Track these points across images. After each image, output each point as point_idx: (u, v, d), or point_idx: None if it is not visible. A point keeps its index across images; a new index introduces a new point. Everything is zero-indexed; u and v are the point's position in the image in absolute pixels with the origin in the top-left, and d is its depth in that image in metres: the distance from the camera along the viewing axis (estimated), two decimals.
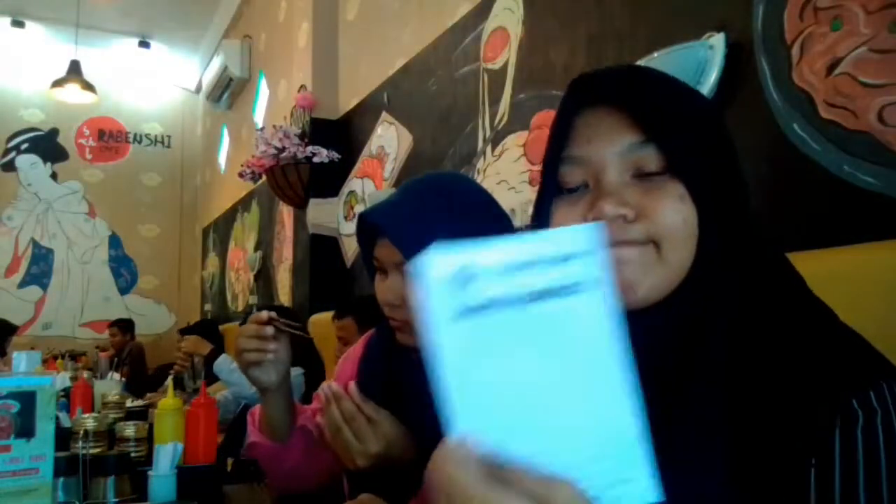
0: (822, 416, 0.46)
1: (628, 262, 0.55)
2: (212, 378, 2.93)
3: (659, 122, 0.55)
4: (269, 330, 1.01)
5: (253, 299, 4.78)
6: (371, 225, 0.92)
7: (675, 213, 0.54)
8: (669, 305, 0.56)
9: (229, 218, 5.66)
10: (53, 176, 6.64)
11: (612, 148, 0.56)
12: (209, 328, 3.96)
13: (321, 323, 2.97)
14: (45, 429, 0.91)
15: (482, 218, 0.91)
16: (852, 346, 0.51)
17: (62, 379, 2.54)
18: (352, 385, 0.91)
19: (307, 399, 2.67)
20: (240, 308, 5.17)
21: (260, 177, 3.83)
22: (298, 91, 3.79)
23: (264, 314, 1.02)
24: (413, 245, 0.88)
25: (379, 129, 3.21)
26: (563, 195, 0.59)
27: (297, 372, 2.66)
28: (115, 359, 5.21)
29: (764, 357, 0.51)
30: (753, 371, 0.51)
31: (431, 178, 0.99)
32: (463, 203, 0.91)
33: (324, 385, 0.91)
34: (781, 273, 0.57)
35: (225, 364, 2.70)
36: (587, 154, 0.57)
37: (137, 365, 5.32)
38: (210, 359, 2.77)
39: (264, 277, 4.57)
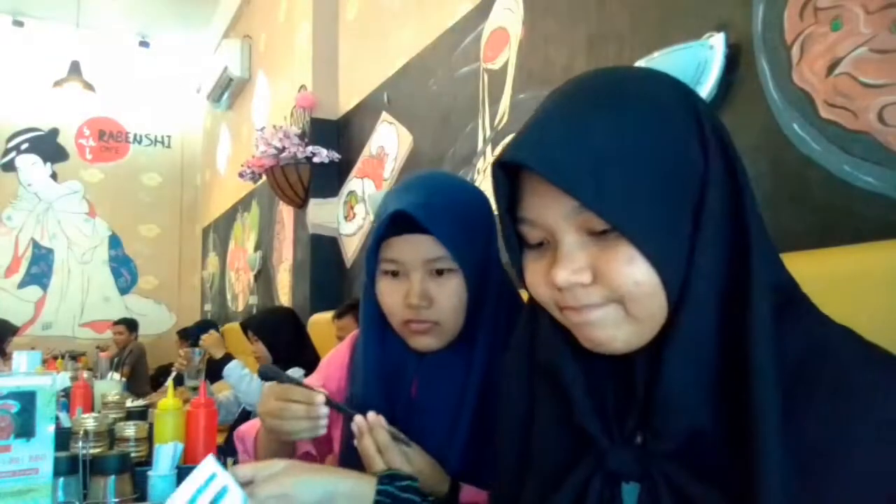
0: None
1: (595, 323, 0.54)
2: (211, 379, 2.94)
3: (577, 187, 0.51)
4: (324, 412, 0.88)
5: (253, 299, 4.79)
6: (397, 218, 0.87)
7: (624, 276, 0.52)
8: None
9: (229, 218, 5.66)
10: (53, 176, 6.64)
11: (558, 209, 0.53)
12: (209, 329, 3.96)
13: (321, 323, 2.97)
14: (45, 429, 0.90)
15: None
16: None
17: (62, 379, 2.54)
18: (380, 419, 0.86)
19: None
20: (240, 308, 5.17)
21: (260, 177, 3.84)
22: (298, 91, 3.79)
23: (320, 398, 0.88)
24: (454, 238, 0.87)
25: (379, 129, 3.21)
26: (530, 247, 0.58)
27: (298, 374, 2.66)
28: (116, 358, 5.21)
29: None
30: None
31: (433, 173, 1.00)
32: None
33: (357, 418, 0.85)
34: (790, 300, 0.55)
35: (236, 370, 2.69)
36: (537, 217, 0.55)
37: (138, 365, 5.33)
38: (218, 362, 2.77)
39: (264, 277, 4.57)
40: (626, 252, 0.51)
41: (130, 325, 5.66)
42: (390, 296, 0.91)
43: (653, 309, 0.53)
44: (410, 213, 0.85)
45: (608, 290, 0.53)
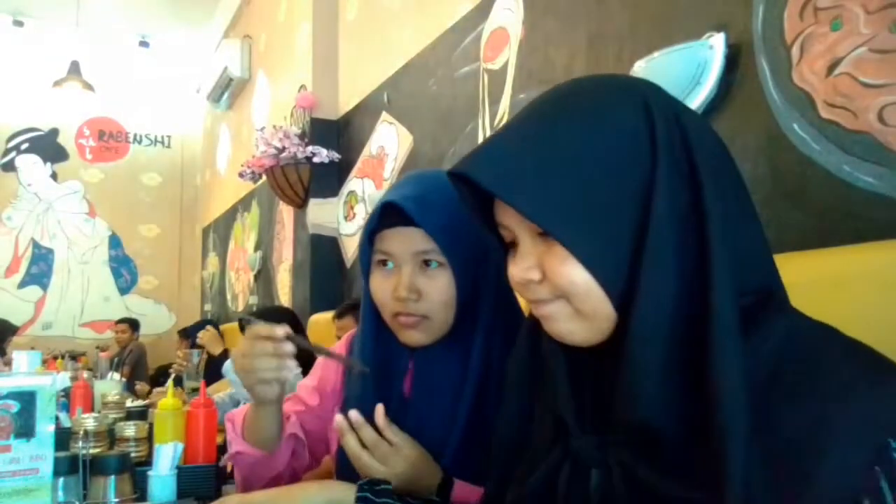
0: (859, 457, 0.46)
1: (550, 317, 0.59)
2: (211, 378, 2.93)
3: (510, 192, 0.55)
4: (290, 348, 0.92)
5: (253, 299, 4.79)
6: (390, 210, 0.88)
7: (560, 276, 0.56)
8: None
9: (229, 218, 5.66)
10: (53, 176, 6.65)
11: (513, 214, 0.58)
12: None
13: (321, 323, 2.97)
14: (45, 429, 0.90)
15: None
16: (872, 369, 0.49)
17: (62, 379, 2.54)
18: (379, 408, 0.87)
19: None
20: (240, 308, 5.17)
21: (260, 177, 3.84)
22: (298, 91, 3.79)
23: (280, 331, 0.91)
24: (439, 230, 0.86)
25: (379, 129, 3.21)
26: (509, 247, 0.63)
27: (296, 371, 2.65)
28: (116, 358, 5.21)
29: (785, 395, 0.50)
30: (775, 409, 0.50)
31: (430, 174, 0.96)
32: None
33: (338, 417, 0.87)
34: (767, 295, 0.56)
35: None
36: (502, 220, 0.61)
37: (138, 365, 5.34)
38: (217, 359, 2.75)
39: (264, 277, 4.57)
40: (560, 253, 0.55)
41: (133, 324, 5.68)
42: (381, 289, 0.93)
43: (595, 307, 0.56)
44: (400, 204, 0.86)
45: (552, 287, 0.57)
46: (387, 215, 0.90)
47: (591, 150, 0.54)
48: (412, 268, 0.89)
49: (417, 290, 0.89)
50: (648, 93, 0.57)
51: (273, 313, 3.11)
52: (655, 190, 0.53)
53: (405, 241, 0.89)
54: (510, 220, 0.59)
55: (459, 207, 0.88)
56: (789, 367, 0.50)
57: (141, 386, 3.97)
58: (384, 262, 0.92)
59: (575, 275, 0.55)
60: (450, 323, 0.91)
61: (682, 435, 0.52)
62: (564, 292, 0.56)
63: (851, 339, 0.52)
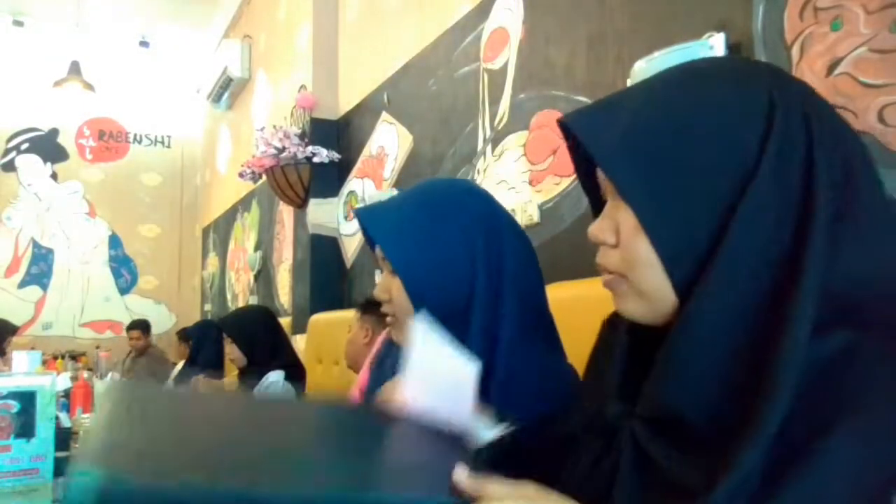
0: None
1: (613, 291, 0.59)
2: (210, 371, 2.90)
3: (597, 145, 0.54)
4: None
5: (253, 299, 4.78)
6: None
7: (628, 246, 0.54)
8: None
9: (229, 218, 5.66)
10: (53, 176, 6.64)
11: (600, 171, 0.57)
12: (209, 329, 3.95)
13: (321, 323, 2.97)
14: (45, 429, 0.91)
15: (461, 226, 0.91)
16: None
17: (63, 380, 2.53)
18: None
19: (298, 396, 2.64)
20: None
21: (260, 177, 3.83)
22: (298, 91, 3.79)
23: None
24: (387, 240, 0.91)
25: (379, 129, 3.21)
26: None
27: (276, 377, 2.60)
28: (127, 360, 5.08)
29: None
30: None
31: (423, 185, 0.99)
32: (440, 208, 0.92)
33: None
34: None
35: None
36: (599, 177, 0.60)
37: (160, 369, 4.98)
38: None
39: (264, 277, 4.57)
40: (634, 223, 0.53)
41: (144, 327, 5.47)
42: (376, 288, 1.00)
43: (655, 287, 0.54)
44: (358, 212, 0.95)
45: (621, 256, 0.55)
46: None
47: (693, 127, 0.52)
48: (387, 270, 0.94)
49: (387, 290, 0.94)
50: (775, 82, 0.53)
51: (246, 312, 3.04)
52: (753, 183, 0.50)
53: (380, 250, 0.95)
54: (602, 178, 0.58)
55: (411, 216, 0.89)
56: (833, 378, 0.47)
57: None
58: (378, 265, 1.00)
59: (641, 247, 0.53)
60: None
61: (706, 430, 0.50)
62: (629, 264, 0.54)
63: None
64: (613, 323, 0.67)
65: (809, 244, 0.48)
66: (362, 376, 1.11)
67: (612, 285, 0.58)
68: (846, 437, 0.44)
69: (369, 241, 0.99)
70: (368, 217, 0.94)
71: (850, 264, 0.49)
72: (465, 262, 0.89)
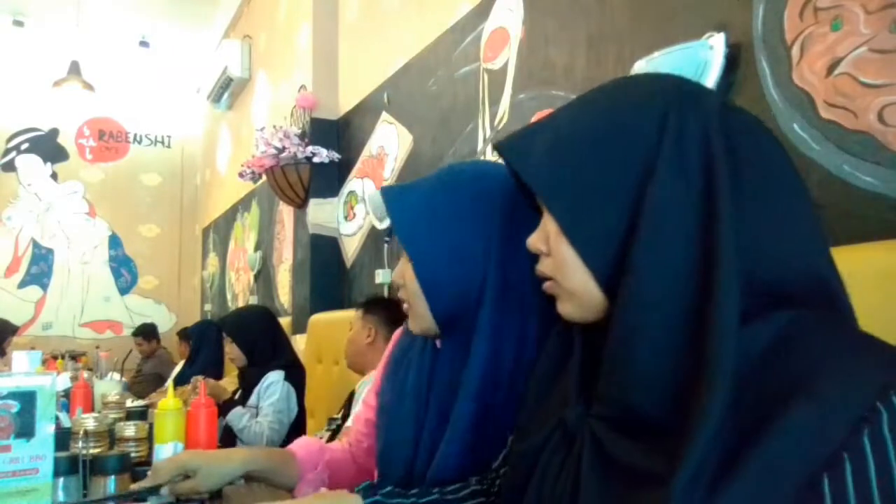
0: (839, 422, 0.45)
1: (549, 292, 0.63)
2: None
3: (522, 162, 0.60)
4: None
5: (253, 299, 4.78)
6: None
7: (554, 251, 0.59)
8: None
9: (229, 218, 5.66)
10: (53, 176, 6.64)
11: None
12: (209, 329, 3.96)
13: (321, 323, 2.97)
14: (45, 429, 0.91)
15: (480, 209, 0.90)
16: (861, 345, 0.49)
17: (63, 380, 2.53)
18: None
19: (298, 396, 2.65)
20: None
21: (260, 177, 3.83)
22: (298, 91, 3.79)
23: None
24: (402, 225, 0.90)
25: (379, 129, 3.21)
26: None
27: (276, 377, 2.60)
28: (141, 366, 5.07)
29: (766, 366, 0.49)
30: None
31: (448, 169, 0.97)
32: (459, 195, 0.91)
33: None
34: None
35: (239, 419, 2.52)
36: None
37: (168, 371, 4.86)
38: (224, 405, 2.62)
39: (264, 277, 4.57)
40: (556, 227, 0.59)
41: (146, 333, 5.34)
42: None
43: (581, 286, 0.58)
44: (382, 190, 0.94)
45: (552, 261, 0.61)
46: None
47: (596, 133, 0.57)
48: (405, 255, 0.94)
49: (402, 275, 0.94)
50: (674, 86, 0.58)
51: (247, 311, 3.06)
52: (653, 179, 0.54)
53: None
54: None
55: (427, 199, 0.89)
56: (777, 361, 0.49)
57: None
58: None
59: (564, 250, 0.57)
60: (430, 316, 0.91)
61: (659, 419, 0.52)
62: (557, 268, 0.59)
63: (851, 331, 0.51)
64: (560, 333, 0.71)
65: (718, 231, 0.51)
66: (377, 379, 1.10)
67: (550, 290, 0.62)
68: (797, 414, 0.46)
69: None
70: (390, 197, 0.93)
71: (765, 248, 0.53)
72: (478, 255, 0.88)
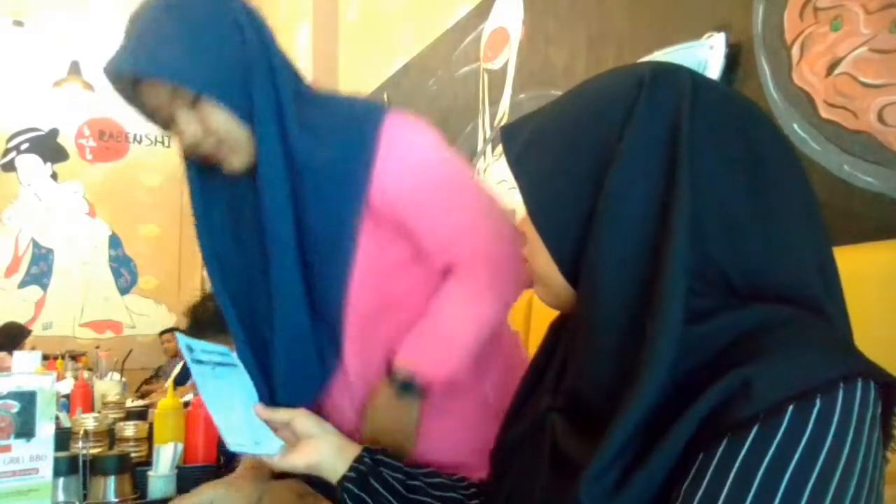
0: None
1: (528, 276, 0.64)
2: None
3: (508, 147, 0.62)
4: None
5: None
6: None
7: (526, 236, 0.61)
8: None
9: None
10: (53, 176, 6.64)
11: None
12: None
13: None
14: (45, 429, 0.90)
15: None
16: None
17: (65, 386, 2.53)
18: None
19: None
20: None
21: None
22: None
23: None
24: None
25: None
26: None
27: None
28: (164, 367, 5.07)
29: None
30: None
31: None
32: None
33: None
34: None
35: None
36: None
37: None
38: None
39: None
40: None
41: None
42: None
43: (544, 269, 0.58)
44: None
45: (527, 245, 0.62)
46: None
47: (567, 119, 0.58)
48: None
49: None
50: (650, 69, 0.56)
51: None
52: (613, 165, 0.52)
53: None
54: None
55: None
56: (738, 350, 0.47)
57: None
58: None
59: (532, 235, 0.58)
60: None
61: (605, 410, 0.51)
62: (529, 253, 0.61)
63: (816, 326, 0.49)
64: (554, 326, 0.71)
65: (671, 218, 0.49)
66: None
67: (528, 274, 0.63)
68: (713, 393, 0.45)
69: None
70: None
71: (738, 239, 0.51)
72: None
